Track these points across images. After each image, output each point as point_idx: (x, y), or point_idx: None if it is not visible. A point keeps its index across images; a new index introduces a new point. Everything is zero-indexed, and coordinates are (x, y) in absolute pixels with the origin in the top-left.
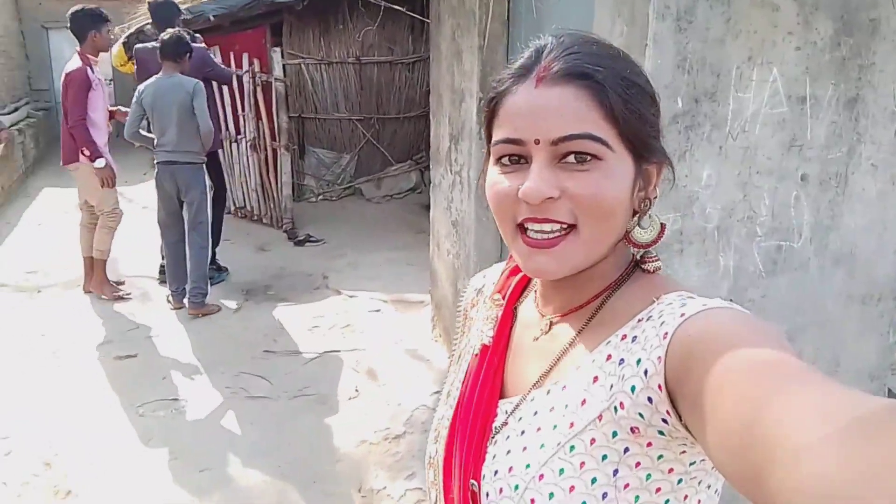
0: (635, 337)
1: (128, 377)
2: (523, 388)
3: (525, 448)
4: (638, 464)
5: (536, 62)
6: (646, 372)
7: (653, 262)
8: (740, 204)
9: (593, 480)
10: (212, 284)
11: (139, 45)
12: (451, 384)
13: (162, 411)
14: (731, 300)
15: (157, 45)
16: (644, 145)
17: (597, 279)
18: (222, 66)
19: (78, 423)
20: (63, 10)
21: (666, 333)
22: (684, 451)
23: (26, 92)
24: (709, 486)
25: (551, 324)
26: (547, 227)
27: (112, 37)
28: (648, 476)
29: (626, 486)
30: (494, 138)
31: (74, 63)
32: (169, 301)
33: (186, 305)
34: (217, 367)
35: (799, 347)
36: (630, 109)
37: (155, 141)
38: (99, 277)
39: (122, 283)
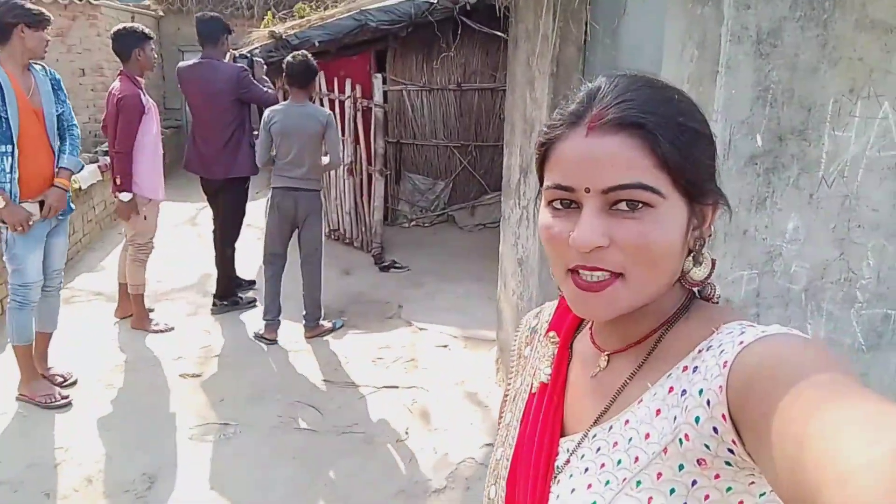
0: (696, 367)
1: (188, 396)
2: (583, 424)
3: (590, 486)
4: (707, 496)
5: (588, 109)
6: (708, 402)
7: (714, 294)
8: (835, 263)
9: None
10: (236, 307)
11: (182, 63)
12: (509, 425)
13: (211, 435)
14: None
15: (198, 61)
16: (699, 189)
17: (654, 314)
18: (265, 87)
19: (128, 440)
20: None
21: (726, 362)
22: (753, 483)
23: (161, 111)
24: None
25: (609, 359)
26: (597, 273)
27: (156, 56)
28: None
29: None
30: (546, 182)
31: (123, 86)
32: (261, 336)
33: (277, 337)
34: (275, 394)
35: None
36: (683, 156)
37: (276, 164)
38: (138, 313)
39: (151, 311)
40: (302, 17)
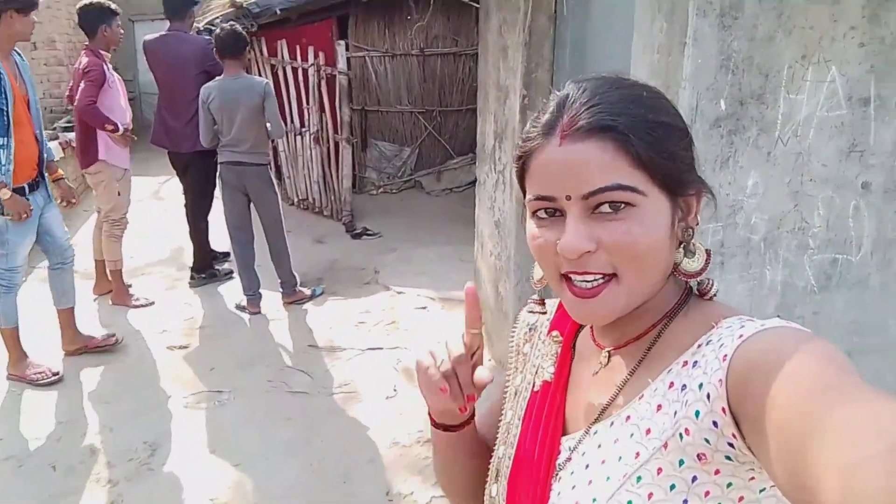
0: (696, 362)
1: (177, 367)
2: (585, 422)
3: (591, 482)
4: (707, 493)
5: (559, 117)
6: (708, 396)
7: (710, 287)
8: (790, 214)
9: None
10: (214, 279)
11: (148, 36)
12: (510, 422)
13: (206, 403)
14: (777, 316)
15: (165, 34)
16: (678, 182)
17: (652, 310)
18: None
19: (126, 411)
20: (150, 4)
21: (725, 356)
22: (753, 478)
23: None
24: None
25: (610, 356)
26: (589, 277)
27: (122, 31)
28: None
29: None
30: (528, 195)
31: (90, 60)
32: (243, 307)
33: (260, 309)
34: (263, 360)
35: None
36: (657, 151)
37: (221, 141)
38: (117, 288)
39: (129, 286)
40: None
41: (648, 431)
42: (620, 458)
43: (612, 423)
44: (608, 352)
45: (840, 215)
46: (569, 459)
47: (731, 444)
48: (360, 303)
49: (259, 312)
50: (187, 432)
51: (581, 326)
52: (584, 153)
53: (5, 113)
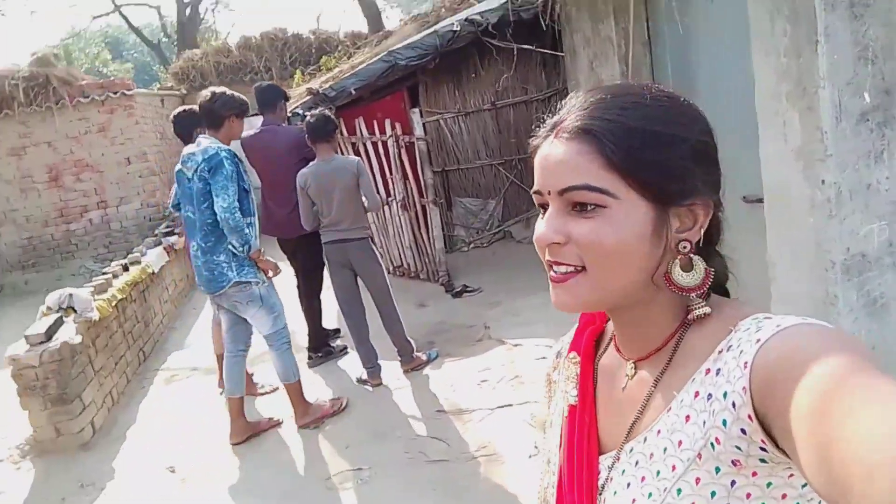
0: (719, 370)
1: (315, 447)
2: (619, 439)
3: (634, 500)
4: (749, 495)
5: (559, 121)
6: (734, 404)
7: (698, 308)
8: None
9: None
10: (331, 357)
11: (245, 133)
12: (549, 451)
13: (349, 482)
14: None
15: (260, 130)
16: (662, 190)
17: (666, 317)
18: None
19: (272, 497)
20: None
21: (746, 363)
22: (792, 475)
23: None
24: None
25: (636, 367)
26: (561, 268)
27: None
28: None
29: None
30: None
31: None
32: (364, 381)
33: (382, 381)
34: (395, 431)
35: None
36: (635, 157)
37: (322, 223)
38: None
39: (251, 374)
40: (329, 69)
41: (681, 443)
42: (658, 472)
43: (645, 439)
44: (634, 363)
45: None
46: (609, 479)
47: (762, 449)
48: (478, 361)
49: (381, 384)
50: None
51: (598, 345)
52: (564, 153)
53: (249, 194)
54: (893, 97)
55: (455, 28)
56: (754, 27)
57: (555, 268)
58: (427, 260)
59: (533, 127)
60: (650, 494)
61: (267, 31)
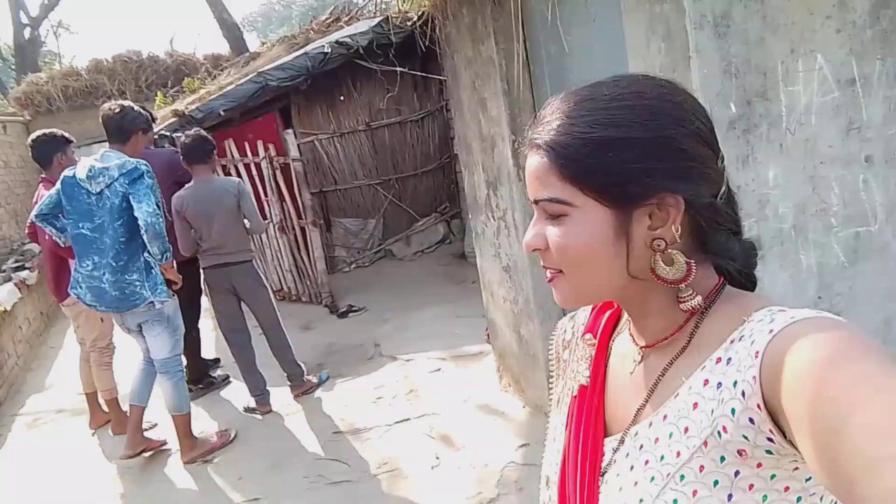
0: (729, 359)
1: (206, 483)
2: (625, 422)
3: (636, 483)
4: (751, 486)
5: (532, 130)
6: (743, 393)
7: (688, 300)
8: (811, 198)
9: None
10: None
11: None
12: (555, 429)
13: None
14: (819, 297)
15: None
16: (620, 194)
17: (671, 308)
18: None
19: None
20: (88, 128)
21: (757, 352)
22: (797, 468)
23: None
24: (833, 502)
25: (643, 354)
26: (547, 271)
27: (76, 158)
28: (765, 497)
29: None
30: None
31: (45, 191)
32: (253, 409)
33: (272, 407)
34: (292, 458)
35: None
36: (584, 167)
37: (201, 247)
38: (116, 417)
39: (155, 426)
40: (193, 91)
41: (687, 430)
42: (662, 457)
43: (650, 424)
44: (641, 349)
45: (853, 190)
46: (613, 461)
47: (770, 440)
48: (370, 379)
49: (271, 411)
50: None
51: (615, 328)
52: (532, 166)
53: (161, 209)
54: (754, 107)
55: (326, 50)
56: (631, 46)
57: (546, 271)
58: (309, 282)
59: (410, 146)
60: (653, 478)
61: (119, 54)
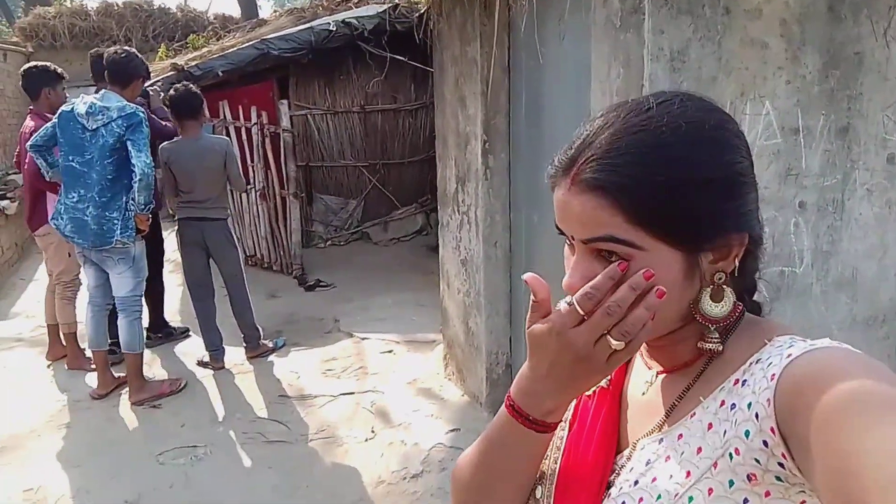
0: (745, 381)
1: (147, 426)
2: (633, 438)
3: (641, 499)
4: None
5: (574, 161)
6: (757, 415)
7: (711, 342)
8: None
9: None
10: (171, 338)
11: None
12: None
13: (182, 459)
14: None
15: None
16: (691, 237)
17: (697, 336)
18: (164, 123)
19: (100, 472)
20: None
21: (773, 375)
22: (804, 501)
23: None
24: None
25: (656, 378)
26: None
27: (66, 95)
28: None
29: None
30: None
31: (35, 123)
32: (206, 363)
33: (224, 365)
34: (235, 414)
35: None
36: (661, 212)
37: (180, 198)
38: (73, 352)
39: (83, 349)
40: (196, 48)
41: (699, 450)
42: (671, 476)
43: (661, 440)
44: (656, 374)
45: (783, 232)
46: (617, 475)
47: (781, 465)
48: (324, 351)
49: (223, 367)
50: (168, 488)
51: None
52: (583, 205)
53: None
54: None
55: (331, 27)
56: (595, 68)
57: None
58: (282, 252)
59: (400, 135)
60: (659, 497)
61: (131, 1)
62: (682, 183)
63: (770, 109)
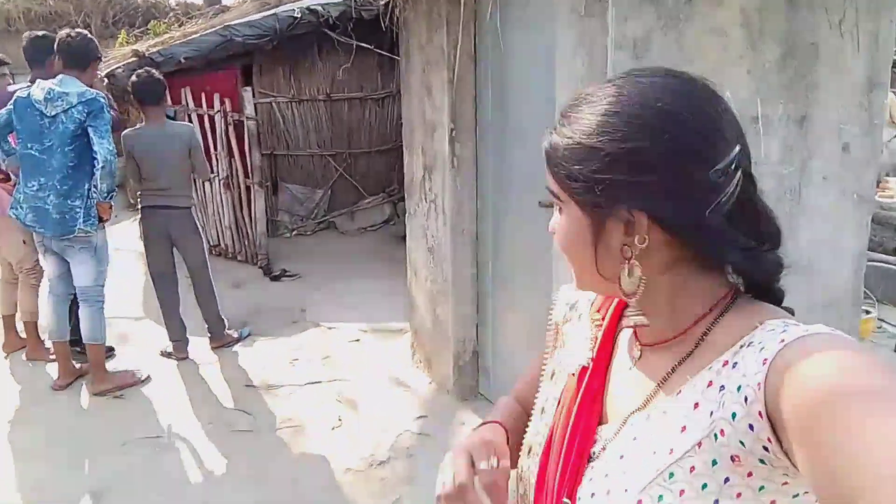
0: (736, 363)
1: (109, 416)
2: (622, 413)
3: (624, 472)
4: (739, 494)
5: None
6: (746, 399)
7: (631, 316)
8: None
9: None
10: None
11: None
12: (546, 401)
13: (146, 448)
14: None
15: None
16: (587, 202)
17: (687, 310)
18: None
19: (62, 463)
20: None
21: (765, 360)
22: (787, 483)
23: None
24: None
25: (642, 352)
26: None
27: (10, 82)
28: None
29: None
30: None
31: None
32: (169, 353)
33: (188, 355)
34: (199, 404)
35: None
36: (567, 170)
37: (143, 185)
38: (33, 342)
39: (43, 340)
40: (157, 34)
41: (684, 429)
42: (655, 452)
43: (648, 416)
44: (641, 347)
45: None
46: (603, 449)
47: (765, 448)
48: (290, 341)
49: (187, 358)
50: (131, 478)
51: (622, 316)
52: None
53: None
54: None
55: (296, 14)
56: (559, 55)
57: None
58: (247, 242)
59: (367, 124)
60: (641, 471)
61: None
62: (589, 148)
63: (730, 97)
